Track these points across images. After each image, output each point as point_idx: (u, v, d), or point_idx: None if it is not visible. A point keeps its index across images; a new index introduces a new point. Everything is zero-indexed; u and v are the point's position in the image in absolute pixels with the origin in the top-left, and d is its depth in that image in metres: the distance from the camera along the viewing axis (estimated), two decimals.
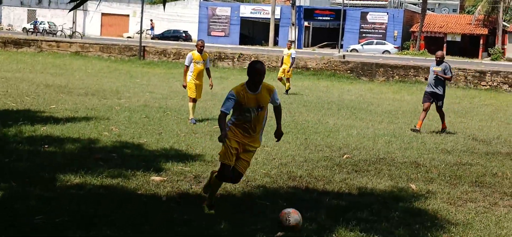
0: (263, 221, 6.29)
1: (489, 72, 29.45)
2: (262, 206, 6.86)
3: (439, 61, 13.67)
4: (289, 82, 21.45)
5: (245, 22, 65.37)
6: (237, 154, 6.35)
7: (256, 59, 33.69)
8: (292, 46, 23.53)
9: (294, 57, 21.64)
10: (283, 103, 18.25)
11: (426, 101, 13.74)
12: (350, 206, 6.97)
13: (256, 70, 6.19)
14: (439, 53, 14.01)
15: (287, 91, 21.17)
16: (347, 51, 52.62)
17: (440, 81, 13.60)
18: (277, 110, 6.60)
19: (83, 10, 65.66)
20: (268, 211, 6.67)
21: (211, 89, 13.64)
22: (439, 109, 13.70)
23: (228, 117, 6.37)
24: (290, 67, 21.28)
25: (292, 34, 60.09)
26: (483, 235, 6.29)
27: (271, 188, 7.74)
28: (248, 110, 6.23)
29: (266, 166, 8.98)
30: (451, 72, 13.83)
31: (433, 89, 13.64)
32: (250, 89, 6.24)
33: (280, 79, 21.54)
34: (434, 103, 13.71)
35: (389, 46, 55.76)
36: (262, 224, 6.16)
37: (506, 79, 28.89)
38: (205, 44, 13.96)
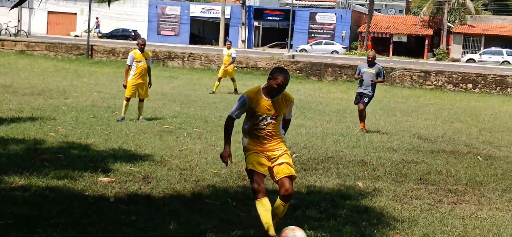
0: (213, 220, 6.28)
1: (434, 72, 30.20)
2: (211, 206, 6.85)
3: (372, 63, 13.51)
4: (234, 81, 21.55)
5: (195, 22, 65.08)
6: (269, 168, 5.77)
7: (206, 57, 33.62)
8: (232, 45, 23.67)
9: (234, 57, 21.68)
10: (233, 102, 18.26)
11: (358, 102, 13.63)
12: (298, 205, 7.03)
13: (279, 79, 5.60)
14: (371, 54, 13.90)
15: (235, 90, 21.31)
16: (297, 51, 53.00)
17: (373, 84, 13.54)
18: (286, 124, 6.11)
19: (28, 8, 64.11)
20: (218, 211, 6.67)
21: (149, 88, 13.50)
22: (364, 107, 13.53)
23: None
24: (228, 64, 21.30)
25: (243, 33, 60.22)
26: (428, 232, 6.42)
27: (221, 188, 7.73)
28: (262, 118, 5.69)
29: (216, 165, 8.97)
30: (383, 75, 13.82)
31: (365, 90, 13.47)
32: (267, 94, 5.71)
33: (220, 79, 21.40)
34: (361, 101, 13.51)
35: (338, 46, 56.42)
36: (211, 224, 6.15)
37: (450, 78, 29.68)
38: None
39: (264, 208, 5.65)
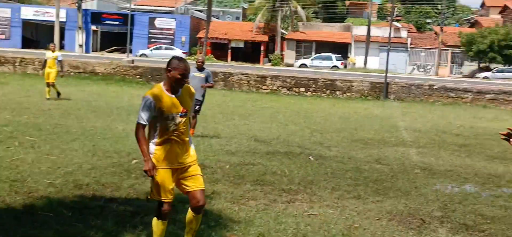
0: (47, 232, 6.04)
1: (270, 77, 31.38)
2: (45, 217, 6.58)
3: (201, 68, 13.53)
4: (55, 86, 20.43)
5: (28, 25, 61.89)
6: (178, 181, 5.34)
7: (40, 61, 32.06)
8: (57, 49, 22.70)
9: (61, 60, 20.69)
10: (70, 109, 17.64)
11: None
12: (137, 211, 6.98)
13: (181, 67, 5.12)
14: (200, 58, 13.84)
15: (58, 94, 20.40)
16: (137, 56, 52.38)
17: (203, 89, 13.62)
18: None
19: None
20: (53, 222, 6.42)
21: None
22: (196, 113, 13.70)
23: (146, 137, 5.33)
24: (61, 71, 20.44)
25: (80, 38, 58.26)
26: (263, 231, 6.65)
27: (55, 198, 7.45)
28: (170, 118, 5.16)
29: (50, 175, 8.63)
30: (212, 79, 13.86)
31: (196, 96, 13.47)
32: (169, 90, 5.21)
33: (48, 84, 20.42)
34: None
35: (178, 52, 56.54)
36: (45, 236, 5.92)
37: (285, 83, 31.01)
38: None
39: (161, 231, 5.44)
